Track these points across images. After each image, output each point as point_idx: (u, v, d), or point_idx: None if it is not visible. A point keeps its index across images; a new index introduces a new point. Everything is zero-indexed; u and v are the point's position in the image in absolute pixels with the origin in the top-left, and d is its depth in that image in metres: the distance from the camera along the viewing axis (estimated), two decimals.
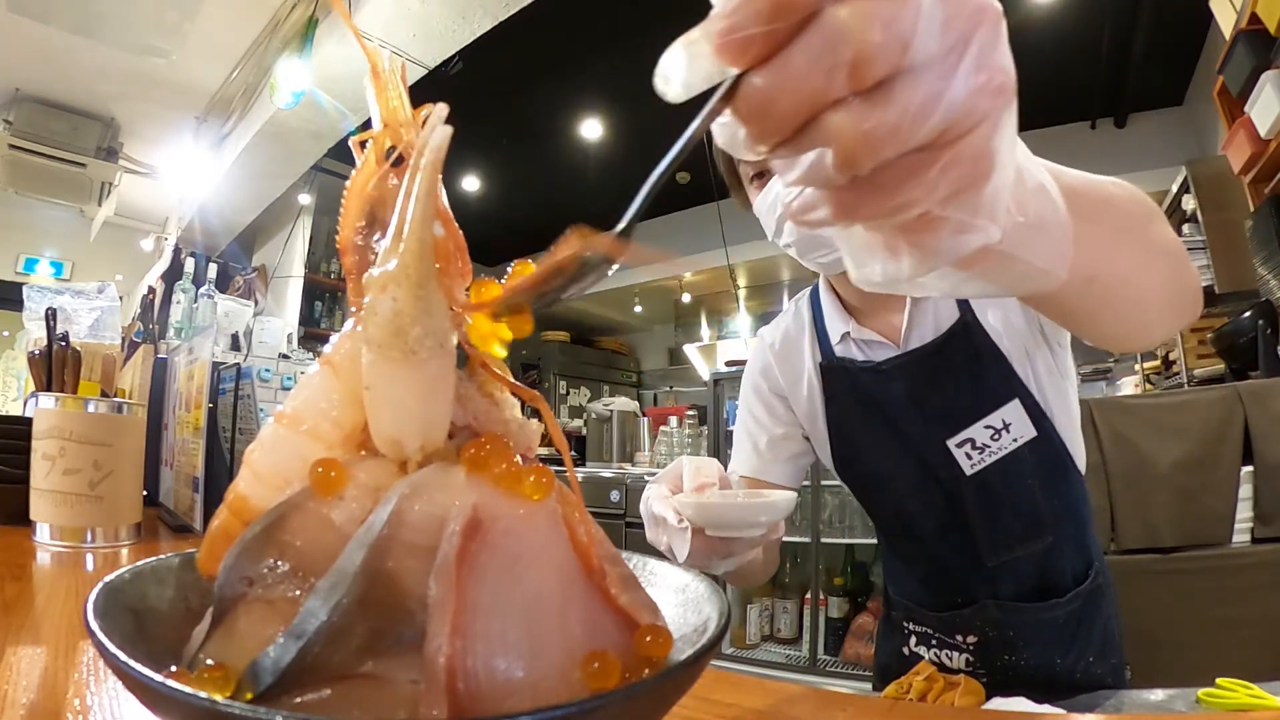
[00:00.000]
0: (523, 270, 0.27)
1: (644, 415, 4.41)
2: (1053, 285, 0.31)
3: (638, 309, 6.06)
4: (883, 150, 0.22)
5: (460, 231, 0.30)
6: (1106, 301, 0.42)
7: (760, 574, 0.88)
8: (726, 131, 0.24)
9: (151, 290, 3.66)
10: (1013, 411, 0.77)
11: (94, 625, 0.23)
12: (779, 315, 0.98)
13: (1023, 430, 0.78)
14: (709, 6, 0.23)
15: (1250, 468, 1.66)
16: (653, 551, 0.37)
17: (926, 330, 0.81)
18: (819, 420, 0.89)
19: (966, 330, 0.79)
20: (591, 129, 4.13)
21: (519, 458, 0.27)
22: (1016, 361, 0.78)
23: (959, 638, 0.85)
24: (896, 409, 0.82)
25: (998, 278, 0.30)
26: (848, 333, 0.86)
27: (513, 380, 0.32)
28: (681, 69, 0.23)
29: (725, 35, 0.21)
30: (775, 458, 0.92)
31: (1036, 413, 0.78)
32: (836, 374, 0.87)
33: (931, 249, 0.25)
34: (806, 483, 2.56)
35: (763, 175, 0.80)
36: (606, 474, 3.42)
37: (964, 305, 0.80)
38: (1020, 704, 0.63)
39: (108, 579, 0.27)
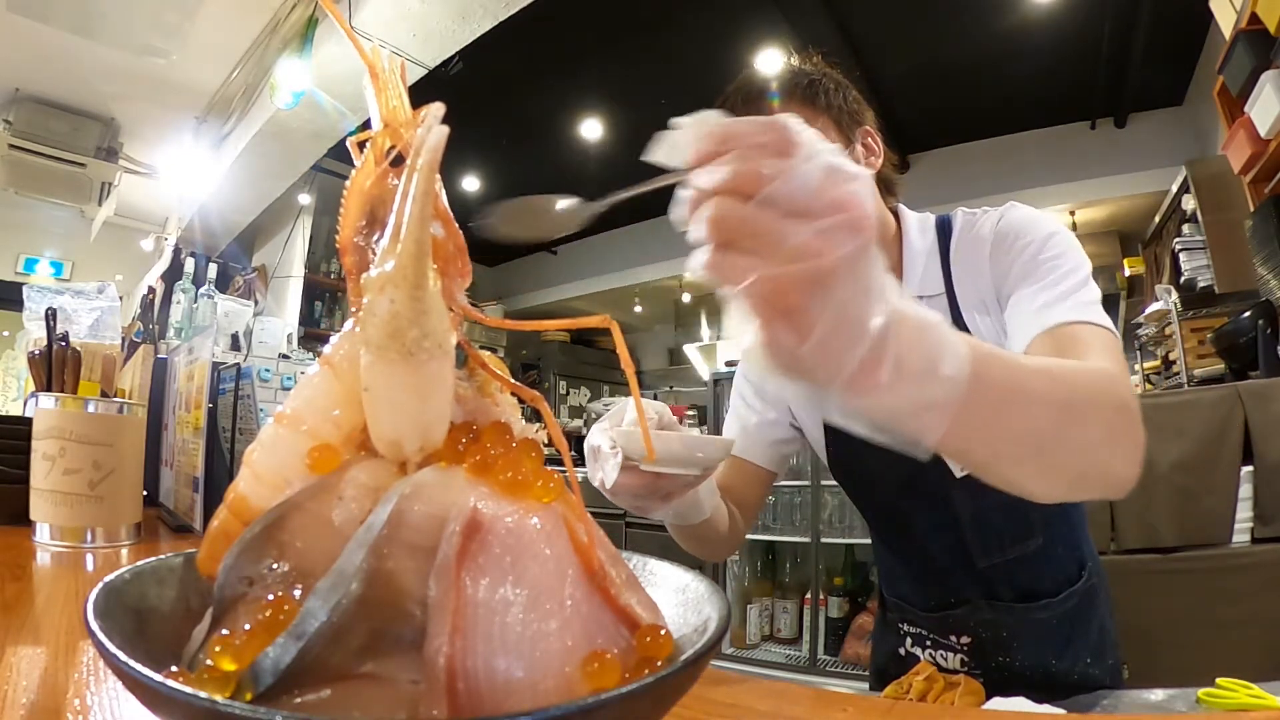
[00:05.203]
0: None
1: None
2: (920, 442, 0.37)
3: (638, 309, 6.06)
4: (721, 230, 0.32)
5: (460, 232, 0.30)
6: (991, 472, 0.46)
7: (720, 543, 0.85)
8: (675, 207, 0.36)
9: (151, 290, 3.65)
10: None
11: (94, 625, 0.23)
12: None
13: None
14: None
15: (1250, 468, 1.66)
16: (652, 551, 0.37)
17: None
18: (816, 419, 0.90)
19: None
20: (591, 129, 4.13)
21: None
22: None
23: (953, 638, 0.85)
24: None
25: (864, 413, 0.36)
26: None
27: (513, 380, 0.33)
28: (663, 154, 0.36)
29: (691, 145, 0.35)
30: (761, 438, 0.92)
31: None
32: None
33: (762, 335, 0.33)
34: (806, 483, 2.56)
35: None
36: None
37: (955, 314, 0.78)
38: (1020, 704, 0.63)
39: (108, 579, 0.27)
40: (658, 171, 0.38)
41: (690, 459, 0.58)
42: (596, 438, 0.61)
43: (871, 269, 0.33)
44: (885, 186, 0.85)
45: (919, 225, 0.84)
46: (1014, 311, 0.70)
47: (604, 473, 0.58)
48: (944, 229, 0.82)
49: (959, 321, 0.77)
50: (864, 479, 0.90)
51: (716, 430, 3.00)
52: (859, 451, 0.86)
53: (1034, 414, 0.44)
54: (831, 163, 0.32)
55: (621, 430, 0.58)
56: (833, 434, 0.89)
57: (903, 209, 0.87)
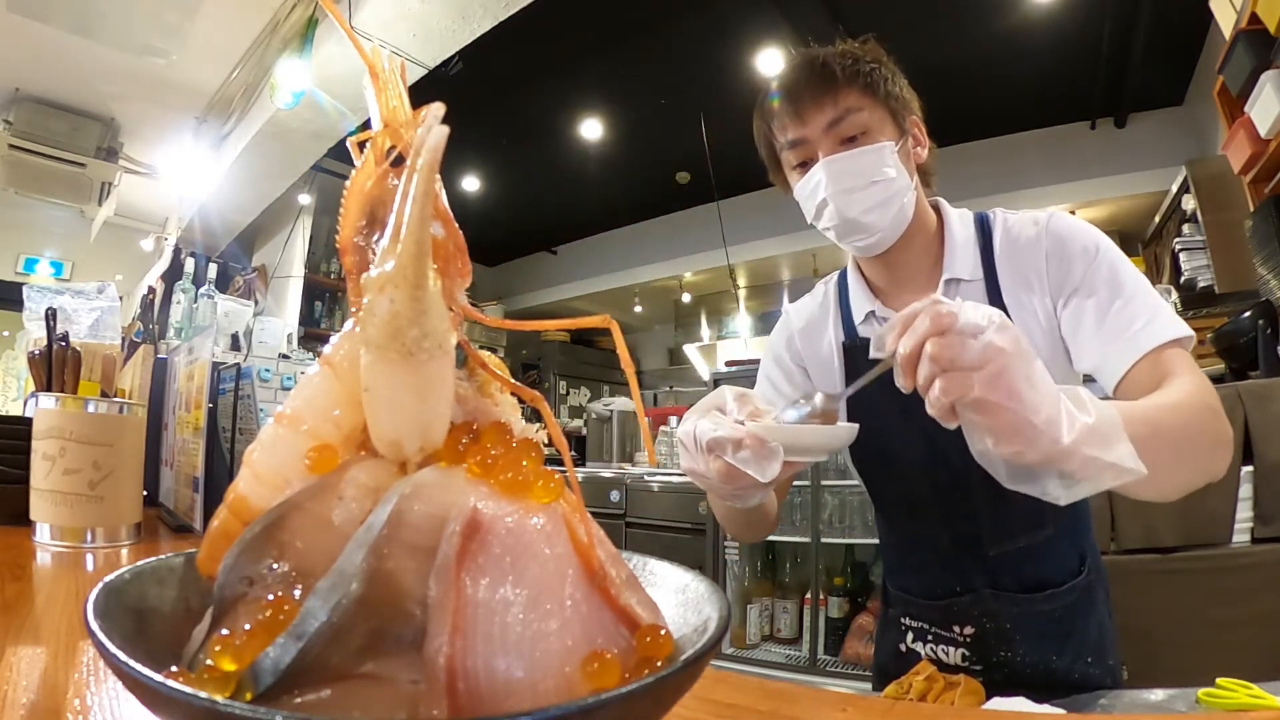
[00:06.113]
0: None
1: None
2: (1133, 479, 0.52)
3: (638, 309, 6.06)
4: (943, 360, 0.49)
5: (460, 232, 0.30)
6: (1133, 490, 0.59)
7: (765, 525, 0.90)
8: (897, 378, 0.53)
9: (151, 290, 3.65)
10: None
11: (94, 625, 0.23)
12: (806, 295, 1.01)
13: None
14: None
15: (1250, 468, 1.65)
16: (652, 551, 0.36)
17: None
18: (842, 404, 0.91)
19: None
20: (591, 129, 4.13)
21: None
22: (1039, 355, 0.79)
23: (955, 629, 0.85)
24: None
25: (1090, 473, 0.51)
26: (872, 312, 0.88)
27: (513, 380, 0.32)
28: (875, 350, 0.55)
29: (894, 333, 0.53)
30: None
31: None
32: (859, 353, 0.89)
33: (998, 432, 0.50)
34: (806, 483, 2.56)
35: (805, 165, 0.84)
36: (606, 474, 3.42)
37: (994, 296, 0.82)
38: (1020, 704, 0.63)
39: (108, 579, 0.27)
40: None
41: (824, 448, 0.63)
42: (724, 430, 0.59)
43: (1029, 350, 0.50)
44: (923, 177, 0.88)
45: (959, 218, 0.88)
46: (1098, 331, 0.75)
47: (759, 467, 0.58)
48: (983, 224, 0.87)
49: (999, 305, 0.81)
50: (886, 464, 0.91)
51: None
52: (884, 437, 0.88)
53: (1169, 440, 0.59)
54: (977, 305, 0.50)
55: (769, 426, 0.59)
56: (855, 418, 0.90)
57: (942, 202, 0.91)
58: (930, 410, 0.51)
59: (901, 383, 0.52)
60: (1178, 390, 0.65)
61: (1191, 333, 0.72)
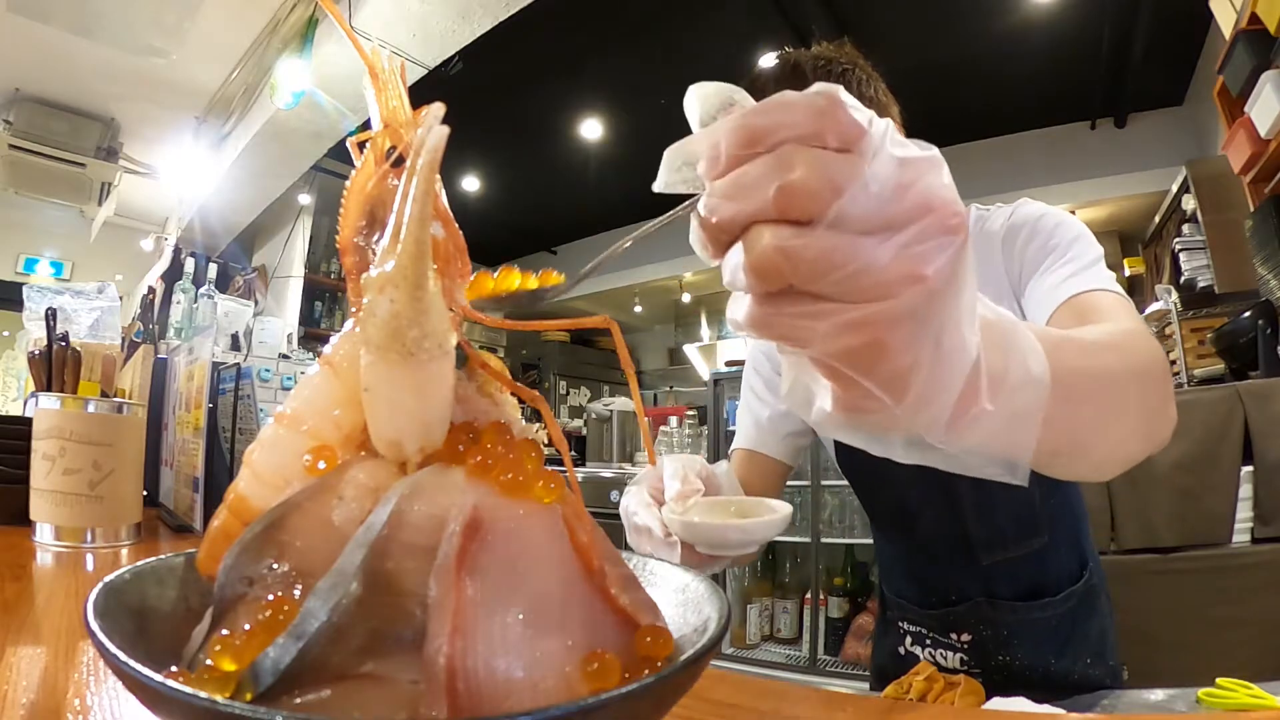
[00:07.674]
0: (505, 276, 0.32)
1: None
2: (1015, 461, 0.31)
3: (638, 309, 6.06)
4: (780, 275, 0.23)
5: (460, 232, 0.30)
6: (1062, 464, 0.40)
7: (748, 555, 0.89)
8: (693, 235, 0.26)
9: (151, 290, 3.65)
10: None
11: (94, 625, 0.23)
12: None
13: None
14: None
15: (1250, 468, 1.66)
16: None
17: None
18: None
19: None
20: (591, 129, 4.13)
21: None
22: None
23: (953, 636, 0.85)
24: None
25: (945, 456, 0.30)
26: None
27: (513, 380, 0.33)
28: (666, 170, 0.28)
29: (709, 152, 0.25)
30: (775, 432, 0.92)
31: None
32: None
33: (840, 399, 0.25)
34: (806, 483, 2.56)
35: None
36: (606, 474, 3.42)
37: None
38: (1020, 704, 0.63)
39: (108, 579, 0.27)
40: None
41: (747, 543, 0.58)
42: (644, 516, 0.58)
43: (969, 277, 0.25)
44: None
45: None
46: (1031, 294, 0.71)
47: (662, 558, 0.58)
48: None
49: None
50: (873, 472, 0.90)
51: (717, 431, 3.00)
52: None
53: (1112, 394, 0.40)
54: (903, 154, 0.23)
55: (678, 520, 0.56)
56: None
57: None
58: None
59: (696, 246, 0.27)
60: (1127, 329, 0.51)
61: (1128, 298, 0.63)
